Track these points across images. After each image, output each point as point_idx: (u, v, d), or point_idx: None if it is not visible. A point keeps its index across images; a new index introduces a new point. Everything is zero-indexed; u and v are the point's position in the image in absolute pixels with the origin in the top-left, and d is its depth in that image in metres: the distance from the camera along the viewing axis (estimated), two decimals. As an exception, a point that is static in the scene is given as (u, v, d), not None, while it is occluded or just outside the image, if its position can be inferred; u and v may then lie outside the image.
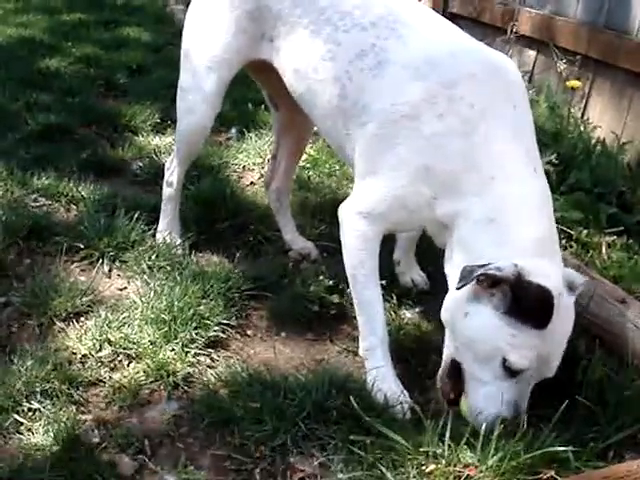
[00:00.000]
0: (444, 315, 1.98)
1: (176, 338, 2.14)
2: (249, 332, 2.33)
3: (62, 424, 1.82)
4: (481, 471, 1.69)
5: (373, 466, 1.75)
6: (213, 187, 3.07)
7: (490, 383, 1.87)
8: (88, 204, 2.93)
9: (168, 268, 2.51)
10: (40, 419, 1.85)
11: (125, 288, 2.48)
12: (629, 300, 2.32)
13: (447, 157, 1.96)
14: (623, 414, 1.91)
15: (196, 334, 2.18)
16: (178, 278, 2.40)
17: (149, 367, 2.05)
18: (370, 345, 2.10)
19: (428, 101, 1.98)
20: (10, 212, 2.73)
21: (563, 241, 2.84)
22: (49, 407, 1.88)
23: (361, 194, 2.13)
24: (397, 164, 2.02)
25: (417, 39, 2.11)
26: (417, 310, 2.45)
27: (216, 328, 2.24)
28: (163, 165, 3.41)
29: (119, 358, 2.10)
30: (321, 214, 2.99)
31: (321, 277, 2.47)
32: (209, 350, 2.18)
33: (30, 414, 1.87)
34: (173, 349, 2.11)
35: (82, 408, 1.94)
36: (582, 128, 3.67)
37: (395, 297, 2.44)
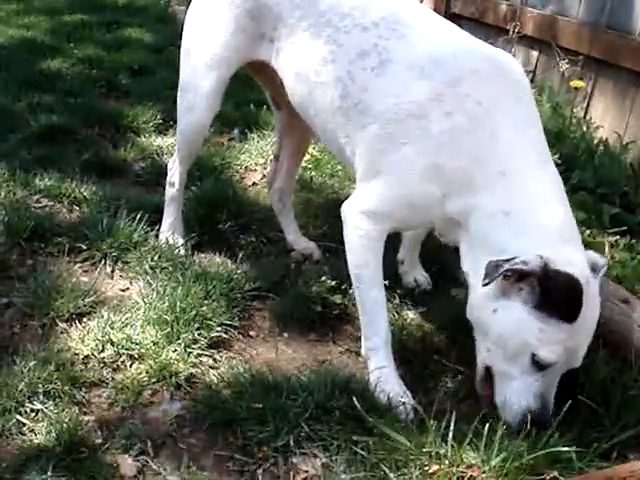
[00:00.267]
0: (470, 313, 1.98)
1: (179, 339, 2.14)
2: (252, 333, 2.33)
3: (64, 425, 1.81)
4: (484, 472, 1.69)
5: (376, 467, 1.75)
6: (215, 188, 3.06)
7: (519, 378, 1.88)
8: (90, 205, 2.93)
9: (170, 269, 2.51)
10: (43, 420, 1.85)
11: (127, 289, 2.48)
12: (632, 300, 2.31)
13: (456, 154, 1.96)
14: (627, 414, 1.91)
15: (199, 335, 2.18)
16: (180, 279, 2.40)
17: (152, 368, 2.05)
18: (373, 345, 2.10)
19: (435, 100, 1.98)
20: (12, 213, 2.73)
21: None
22: (51, 408, 1.88)
23: (365, 193, 2.12)
24: (403, 163, 2.02)
25: (420, 39, 2.11)
26: (420, 310, 2.45)
27: (218, 329, 2.24)
28: (165, 166, 3.41)
29: (121, 359, 2.10)
30: (323, 214, 2.98)
31: (324, 278, 2.46)
32: (212, 351, 2.18)
33: (33, 415, 1.87)
34: (175, 350, 2.11)
35: (84, 409, 1.94)
36: (585, 128, 3.67)
37: (398, 297, 2.44)
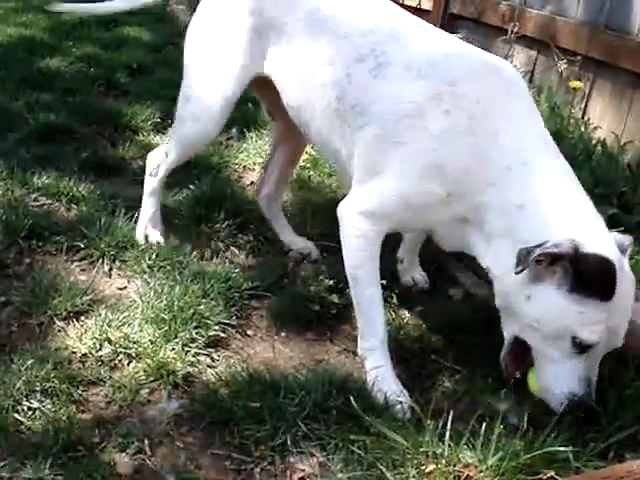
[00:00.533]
0: (500, 302, 1.97)
1: (176, 337, 2.14)
2: (249, 332, 2.33)
3: (62, 423, 1.81)
4: (481, 471, 1.69)
5: (373, 466, 1.75)
6: (214, 187, 3.06)
7: (561, 361, 1.87)
8: (88, 203, 2.93)
9: (168, 267, 2.52)
10: (40, 418, 1.85)
11: (125, 287, 2.48)
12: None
13: (458, 153, 1.97)
14: (623, 414, 1.91)
15: (196, 333, 2.18)
16: (178, 277, 2.40)
17: (149, 366, 2.05)
18: (370, 345, 2.10)
19: (432, 99, 1.99)
20: (10, 211, 2.72)
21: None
22: (49, 406, 1.88)
23: (363, 194, 2.12)
24: (402, 163, 2.02)
25: (416, 43, 2.15)
26: (417, 310, 2.45)
27: (216, 328, 2.24)
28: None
29: (119, 357, 2.10)
30: (321, 214, 2.98)
31: (321, 277, 2.47)
32: (209, 350, 2.18)
33: (30, 413, 1.87)
34: (173, 348, 2.11)
35: (82, 407, 1.93)
36: (583, 128, 3.67)
37: (395, 297, 2.44)
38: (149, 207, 2.73)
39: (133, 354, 2.10)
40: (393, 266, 2.59)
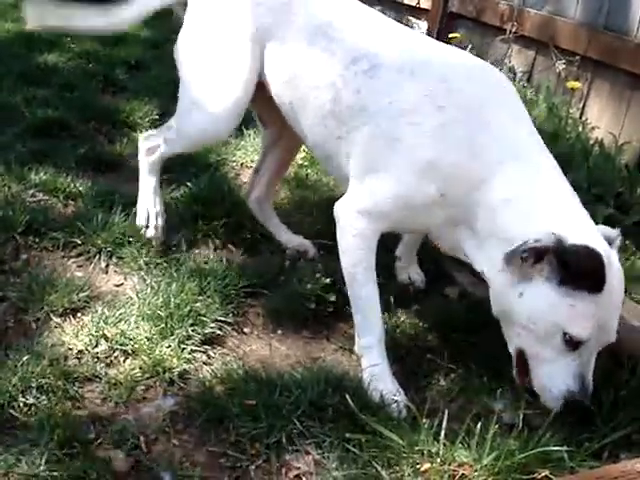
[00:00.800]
0: (496, 308, 1.97)
1: (172, 335, 2.14)
2: (245, 329, 2.33)
3: (57, 420, 1.81)
4: (476, 470, 1.69)
5: (368, 464, 1.75)
6: (211, 184, 3.06)
7: (554, 360, 1.86)
8: (85, 200, 2.92)
9: (165, 264, 2.52)
10: (36, 414, 1.85)
11: (122, 284, 2.48)
12: (625, 301, 2.32)
13: (452, 148, 1.98)
14: (618, 414, 1.92)
15: (192, 331, 2.18)
16: (175, 275, 2.40)
17: (145, 363, 2.05)
18: (367, 343, 2.10)
19: (427, 96, 2.02)
20: (7, 207, 2.72)
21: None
22: (45, 402, 1.88)
23: (360, 193, 2.13)
24: (399, 162, 2.03)
25: (406, 47, 2.21)
26: (413, 309, 2.45)
27: (212, 325, 2.24)
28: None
29: (115, 354, 2.10)
30: (318, 212, 2.99)
31: (318, 275, 2.46)
32: (205, 347, 2.18)
33: (26, 409, 1.86)
34: (169, 345, 2.11)
35: (78, 404, 1.93)
36: (580, 129, 3.68)
37: (392, 296, 2.44)
38: (149, 189, 2.67)
39: (129, 351, 2.10)
40: (390, 264, 2.59)
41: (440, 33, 5.09)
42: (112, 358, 2.09)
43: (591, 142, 3.52)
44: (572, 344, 1.83)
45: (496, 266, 1.90)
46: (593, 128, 3.72)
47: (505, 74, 4.34)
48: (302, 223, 2.96)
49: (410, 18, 5.74)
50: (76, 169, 3.19)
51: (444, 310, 2.42)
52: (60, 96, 4.11)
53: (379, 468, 1.73)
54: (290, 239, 2.78)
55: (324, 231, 2.79)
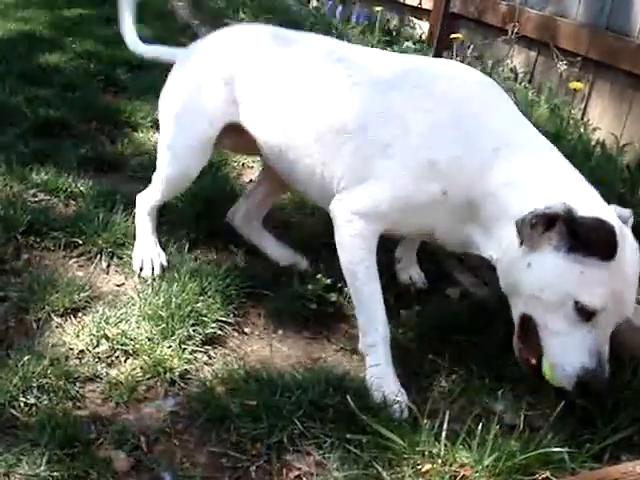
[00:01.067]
0: (504, 283, 1.94)
1: (173, 335, 2.14)
2: (246, 329, 2.33)
3: (58, 419, 1.81)
4: (477, 471, 1.69)
5: (369, 465, 1.75)
6: (212, 184, 3.06)
7: (567, 333, 1.79)
8: (87, 200, 2.93)
9: (166, 264, 2.52)
10: (36, 414, 1.85)
11: (123, 284, 2.48)
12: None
13: (447, 145, 1.99)
14: (619, 415, 1.92)
15: (193, 331, 2.18)
16: (176, 275, 2.40)
17: (146, 363, 2.05)
18: (372, 341, 2.10)
19: (410, 102, 2.07)
20: (9, 207, 2.72)
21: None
22: (45, 402, 1.88)
23: (357, 194, 2.12)
24: (394, 168, 2.04)
25: (382, 64, 2.26)
26: (415, 309, 2.45)
27: (213, 325, 2.24)
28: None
29: (116, 354, 2.10)
30: (319, 212, 2.98)
31: (319, 275, 2.46)
32: (206, 347, 2.18)
33: (26, 409, 1.87)
34: (170, 346, 2.11)
35: (78, 404, 1.93)
36: (582, 129, 3.67)
37: (393, 296, 2.44)
38: (145, 233, 2.64)
39: (130, 351, 2.10)
40: (390, 265, 2.59)
41: (441, 34, 5.09)
42: (113, 358, 2.09)
43: (592, 143, 3.51)
44: (584, 314, 1.76)
45: (504, 243, 1.88)
46: (595, 129, 3.71)
47: (506, 75, 4.37)
48: (303, 224, 2.95)
49: (412, 18, 5.75)
50: (77, 169, 3.20)
51: (445, 311, 2.42)
52: (62, 96, 4.12)
53: (380, 469, 1.73)
54: (282, 256, 2.70)
55: (324, 231, 2.79)
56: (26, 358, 1.98)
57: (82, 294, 2.32)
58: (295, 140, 2.28)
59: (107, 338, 2.13)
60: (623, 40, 3.65)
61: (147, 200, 2.67)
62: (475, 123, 2.00)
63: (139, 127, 3.91)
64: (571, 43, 3.96)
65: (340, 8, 5.45)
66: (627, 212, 1.96)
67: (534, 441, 1.76)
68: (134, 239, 2.63)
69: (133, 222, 2.69)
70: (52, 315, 2.24)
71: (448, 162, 1.98)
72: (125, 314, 2.22)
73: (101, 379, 2.02)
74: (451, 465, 1.71)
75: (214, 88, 2.45)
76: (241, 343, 2.27)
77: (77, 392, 1.95)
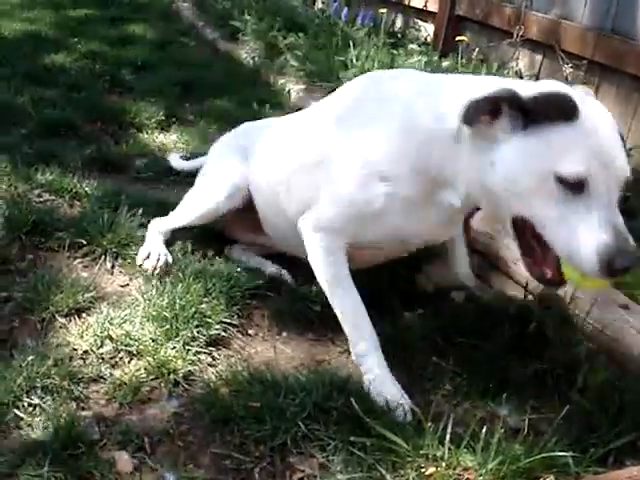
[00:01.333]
0: (484, 203, 1.85)
1: (177, 336, 2.14)
2: (250, 331, 2.33)
3: (62, 420, 1.81)
4: (481, 475, 1.69)
5: (373, 468, 1.74)
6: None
7: (565, 216, 1.63)
8: (91, 200, 2.93)
9: (170, 266, 2.52)
10: (40, 415, 1.85)
11: (127, 285, 2.48)
12: (631, 306, 2.31)
13: (379, 140, 2.00)
14: (623, 420, 1.91)
15: (197, 332, 2.18)
16: (180, 276, 2.40)
17: (150, 364, 2.05)
18: (362, 350, 2.09)
19: (340, 112, 2.19)
20: (13, 207, 2.72)
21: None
22: (49, 403, 1.88)
23: (317, 211, 2.17)
24: (334, 178, 2.09)
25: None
26: (418, 312, 2.44)
27: (217, 327, 2.24)
28: (167, 162, 3.43)
29: (120, 355, 2.10)
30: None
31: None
32: (210, 348, 2.18)
33: (30, 409, 1.87)
34: (174, 347, 2.11)
35: (82, 404, 1.93)
36: (587, 133, 3.67)
37: (397, 298, 2.44)
38: (157, 240, 2.64)
39: (134, 352, 2.10)
40: (391, 267, 2.58)
41: (447, 36, 5.09)
42: (117, 359, 2.09)
43: (598, 146, 3.51)
44: (572, 186, 1.62)
45: (465, 169, 1.81)
46: (600, 132, 3.71)
47: (512, 78, 4.36)
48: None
49: (417, 21, 5.74)
50: (82, 169, 3.20)
51: (450, 313, 2.41)
52: (67, 96, 4.13)
53: (384, 472, 1.73)
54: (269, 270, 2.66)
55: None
56: (30, 358, 1.98)
57: (86, 295, 2.32)
58: (275, 196, 2.40)
59: (111, 339, 2.12)
60: (629, 43, 3.64)
61: (165, 223, 2.69)
62: (393, 103, 2.00)
63: (144, 128, 3.91)
64: (576, 46, 3.96)
65: (345, 10, 5.44)
66: (587, 91, 1.90)
67: (538, 445, 1.75)
68: (139, 240, 2.63)
69: (137, 223, 2.69)
70: (56, 315, 2.24)
71: (385, 153, 1.97)
72: (129, 315, 2.21)
73: (105, 380, 2.02)
74: (455, 468, 1.70)
75: (235, 163, 2.63)
76: (245, 345, 2.27)
77: (81, 393, 1.95)
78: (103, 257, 2.57)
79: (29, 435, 1.79)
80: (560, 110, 1.65)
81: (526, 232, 1.75)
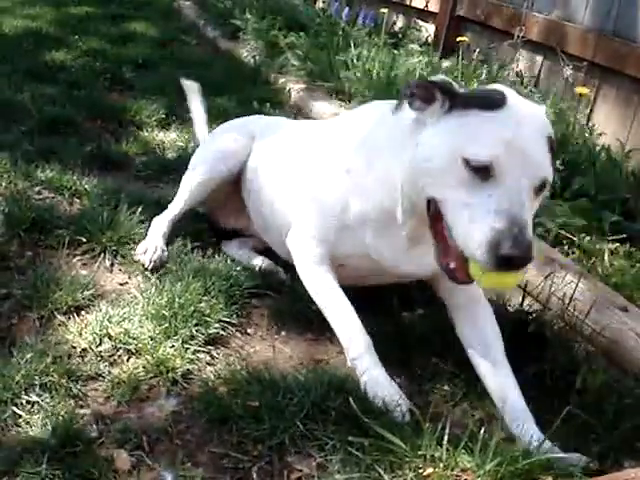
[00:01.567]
0: (407, 188, 1.89)
1: (176, 334, 2.14)
2: (249, 330, 2.33)
3: (60, 418, 1.81)
4: (479, 476, 1.69)
5: (371, 468, 1.74)
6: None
7: (467, 201, 1.65)
8: (91, 198, 2.93)
9: (169, 264, 2.52)
10: (39, 412, 1.84)
11: (126, 283, 2.48)
12: (630, 308, 2.32)
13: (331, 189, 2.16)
14: (622, 422, 1.91)
15: (196, 331, 2.18)
16: (179, 274, 2.40)
17: (149, 363, 2.05)
18: (356, 354, 2.08)
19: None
20: (13, 204, 2.72)
21: (565, 247, 2.84)
22: (48, 400, 1.88)
23: (300, 224, 2.26)
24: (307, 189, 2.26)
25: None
26: (417, 313, 2.44)
27: (216, 325, 2.24)
28: (167, 161, 3.43)
29: (119, 353, 2.10)
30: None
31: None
32: (209, 347, 2.18)
33: (29, 407, 1.86)
34: (173, 345, 2.11)
35: (81, 402, 1.93)
36: (587, 134, 3.67)
37: (396, 299, 2.44)
38: (158, 230, 2.66)
39: (133, 350, 2.10)
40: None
41: (447, 37, 5.09)
42: (115, 357, 2.09)
43: (598, 148, 3.51)
44: (478, 170, 1.63)
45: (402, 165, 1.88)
46: (600, 134, 3.71)
47: (512, 79, 4.36)
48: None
49: (417, 21, 5.74)
50: (82, 167, 3.20)
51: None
52: (67, 94, 4.13)
53: (382, 472, 1.72)
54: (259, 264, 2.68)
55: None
56: (29, 356, 1.98)
57: (85, 292, 2.32)
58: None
59: (110, 337, 2.12)
60: (629, 45, 3.65)
61: (167, 213, 2.74)
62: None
63: (144, 126, 3.91)
64: (577, 48, 3.96)
65: (346, 10, 5.44)
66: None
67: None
68: (138, 238, 2.63)
69: (137, 221, 2.69)
70: (55, 313, 2.23)
71: (357, 170, 2.10)
72: (128, 313, 2.21)
73: (103, 378, 2.01)
74: (453, 469, 1.70)
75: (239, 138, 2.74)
76: (244, 344, 2.27)
77: (79, 390, 1.95)
78: (102, 255, 2.57)
79: (27, 433, 1.79)
80: (486, 100, 1.72)
81: (438, 219, 1.76)
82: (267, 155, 2.60)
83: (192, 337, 2.16)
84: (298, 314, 2.37)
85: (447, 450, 1.73)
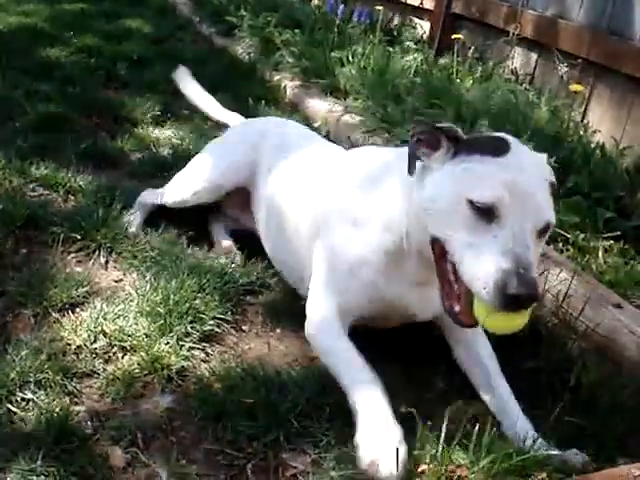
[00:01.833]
0: (415, 233, 1.91)
1: (171, 331, 2.14)
2: (244, 327, 2.33)
3: (55, 415, 1.81)
4: (473, 472, 1.69)
5: (365, 464, 1.74)
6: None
7: (472, 243, 1.68)
8: (86, 195, 2.92)
9: (164, 261, 2.51)
10: (33, 409, 1.84)
11: (121, 280, 2.47)
12: (624, 305, 2.32)
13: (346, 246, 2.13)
14: (615, 419, 1.92)
15: (191, 328, 2.18)
16: (174, 271, 2.40)
17: (143, 360, 2.05)
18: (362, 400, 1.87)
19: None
20: (7, 201, 2.71)
21: (560, 244, 2.85)
22: (43, 397, 1.88)
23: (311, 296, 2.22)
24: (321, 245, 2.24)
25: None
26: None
27: (211, 322, 2.24)
28: (162, 158, 3.43)
29: (114, 350, 2.10)
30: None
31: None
32: (204, 344, 2.18)
33: (24, 404, 1.86)
34: (168, 342, 2.11)
35: (76, 399, 1.93)
36: (582, 132, 3.68)
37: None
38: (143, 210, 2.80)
39: (128, 347, 2.10)
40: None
41: (442, 34, 5.09)
42: (110, 354, 2.09)
43: (592, 146, 3.52)
44: (482, 212, 1.67)
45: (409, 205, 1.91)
46: (594, 132, 3.72)
47: (507, 76, 4.37)
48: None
49: (413, 18, 5.74)
50: (77, 164, 3.19)
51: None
52: (62, 91, 4.12)
53: (376, 468, 1.73)
54: (222, 243, 2.77)
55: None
56: (23, 353, 1.98)
57: (80, 289, 2.32)
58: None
59: (105, 334, 2.12)
60: (624, 43, 3.65)
61: (155, 195, 2.81)
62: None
63: (139, 123, 3.91)
64: (572, 45, 3.97)
65: (342, 7, 5.44)
66: None
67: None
68: (133, 235, 2.64)
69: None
70: (50, 310, 2.23)
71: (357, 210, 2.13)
72: (123, 310, 2.21)
73: (98, 375, 2.01)
74: (447, 466, 1.71)
75: (246, 149, 2.74)
76: (239, 341, 2.27)
77: (74, 387, 1.95)
78: (97, 252, 2.57)
79: (22, 429, 1.79)
80: (491, 146, 1.78)
81: (443, 260, 1.79)
82: (278, 189, 2.54)
83: (187, 334, 2.16)
84: (293, 311, 2.37)
85: (441, 447, 1.74)
